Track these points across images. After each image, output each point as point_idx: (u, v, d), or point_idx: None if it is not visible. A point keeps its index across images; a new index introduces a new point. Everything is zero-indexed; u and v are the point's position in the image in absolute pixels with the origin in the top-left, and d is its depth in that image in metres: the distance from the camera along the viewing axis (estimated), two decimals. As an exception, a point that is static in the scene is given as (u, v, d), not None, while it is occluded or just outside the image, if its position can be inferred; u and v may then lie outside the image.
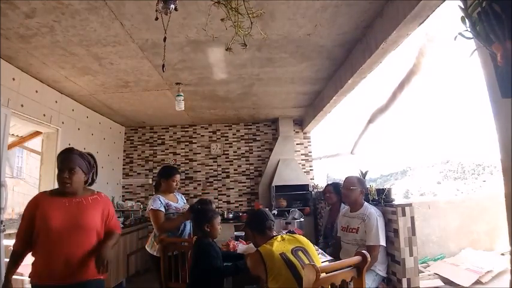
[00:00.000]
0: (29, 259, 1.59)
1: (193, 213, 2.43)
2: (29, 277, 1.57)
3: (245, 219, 1.95)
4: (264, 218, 1.80)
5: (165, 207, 2.53)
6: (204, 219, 2.10)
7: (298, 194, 4.84)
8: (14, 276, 1.57)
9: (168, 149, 5.65)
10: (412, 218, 2.22)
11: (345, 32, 2.57)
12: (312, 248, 1.73)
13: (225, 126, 5.72)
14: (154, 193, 2.70)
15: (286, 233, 2.31)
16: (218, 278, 1.97)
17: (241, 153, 5.64)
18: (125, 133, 5.69)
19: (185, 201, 2.83)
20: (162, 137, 5.70)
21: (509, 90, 1.03)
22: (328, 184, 3.28)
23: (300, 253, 1.65)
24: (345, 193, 2.50)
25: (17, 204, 8.75)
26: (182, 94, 3.51)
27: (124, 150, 5.63)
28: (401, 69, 3.12)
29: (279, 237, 1.73)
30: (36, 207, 1.58)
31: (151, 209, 2.47)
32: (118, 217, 4.69)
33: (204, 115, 5.11)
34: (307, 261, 1.61)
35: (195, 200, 5.31)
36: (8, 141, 3.06)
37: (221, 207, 5.38)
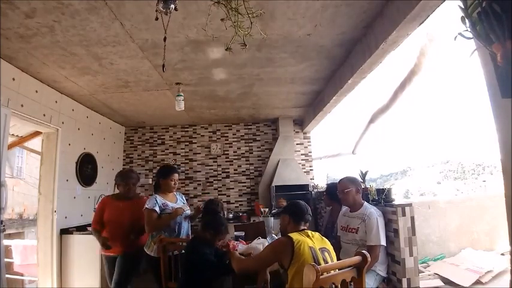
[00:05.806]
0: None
1: (206, 213, 2.44)
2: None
3: (286, 204, 2.06)
4: (305, 210, 1.89)
5: (160, 207, 2.47)
6: (215, 229, 2.14)
7: (298, 194, 4.82)
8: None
9: (168, 149, 5.65)
10: (412, 218, 2.22)
11: (345, 32, 2.57)
12: (334, 255, 1.77)
13: (225, 126, 5.72)
14: (154, 193, 2.65)
15: None
16: (212, 274, 1.99)
17: (241, 153, 5.64)
18: (125, 133, 5.69)
19: (185, 201, 2.79)
20: (162, 137, 5.70)
21: (509, 90, 1.03)
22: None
23: (326, 254, 1.70)
24: (341, 197, 2.48)
25: (17, 204, 8.73)
26: (182, 94, 3.50)
27: (124, 150, 5.62)
28: (402, 69, 3.12)
29: (308, 232, 1.76)
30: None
31: (146, 208, 2.44)
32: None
33: (204, 115, 5.11)
34: None
35: (195, 200, 5.36)
36: (8, 141, 3.06)
37: (221, 207, 5.38)
